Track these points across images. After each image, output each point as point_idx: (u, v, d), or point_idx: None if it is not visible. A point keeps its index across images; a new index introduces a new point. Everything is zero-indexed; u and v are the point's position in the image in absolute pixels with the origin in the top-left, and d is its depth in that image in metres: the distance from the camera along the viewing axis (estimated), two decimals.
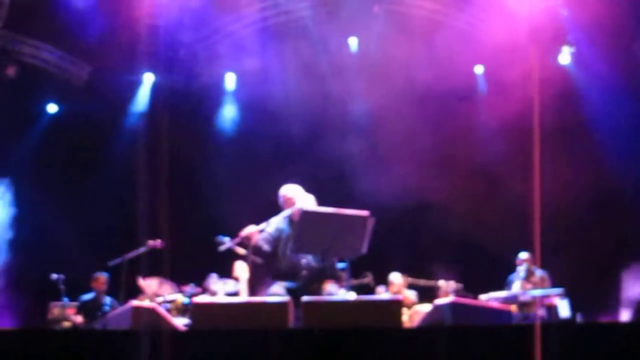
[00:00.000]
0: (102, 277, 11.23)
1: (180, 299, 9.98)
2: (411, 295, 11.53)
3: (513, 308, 9.60)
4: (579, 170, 12.77)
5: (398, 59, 12.76)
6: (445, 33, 13.08)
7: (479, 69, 14.00)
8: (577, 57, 13.15)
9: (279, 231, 8.24)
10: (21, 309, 11.66)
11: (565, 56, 13.21)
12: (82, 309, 10.92)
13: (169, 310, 9.46)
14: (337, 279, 8.14)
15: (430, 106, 13.27)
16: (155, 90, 14.00)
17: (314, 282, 7.88)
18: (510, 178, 11.78)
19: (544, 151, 7.29)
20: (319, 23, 13.48)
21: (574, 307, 10.22)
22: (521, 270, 10.90)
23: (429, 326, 7.00)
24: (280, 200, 8.39)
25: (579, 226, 12.44)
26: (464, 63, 13.59)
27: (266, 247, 8.15)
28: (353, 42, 13.95)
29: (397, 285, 11.67)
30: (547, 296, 10.19)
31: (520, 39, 12.23)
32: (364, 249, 7.42)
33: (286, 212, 8.21)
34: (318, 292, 7.72)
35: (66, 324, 10.57)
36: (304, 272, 7.95)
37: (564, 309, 10.05)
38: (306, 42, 13.37)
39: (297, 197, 8.26)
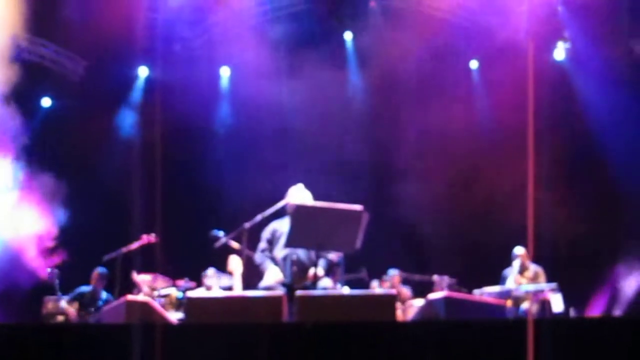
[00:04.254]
0: (100, 272, 11.18)
1: (175, 293, 9.98)
2: (406, 290, 11.54)
3: (509, 303, 9.64)
4: (575, 165, 12.80)
5: (393, 54, 12.75)
6: (441, 28, 13.08)
7: (473, 64, 13.96)
8: (572, 53, 13.12)
9: (271, 236, 8.19)
10: (15, 304, 11.62)
11: (560, 52, 13.18)
12: (78, 300, 10.89)
13: (163, 305, 9.47)
14: (331, 274, 8.14)
15: (425, 101, 13.29)
16: (150, 84, 13.97)
17: (304, 278, 7.84)
18: (507, 174, 11.77)
19: (539, 147, 7.29)
20: (316, 18, 13.50)
21: (567, 302, 10.25)
22: (515, 265, 10.90)
23: (422, 321, 7.01)
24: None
25: (574, 221, 12.41)
26: (459, 58, 13.61)
27: (266, 262, 8.10)
28: (349, 37, 13.95)
29: (392, 280, 11.69)
30: (540, 291, 10.21)
31: (517, 34, 12.25)
32: (358, 244, 7.40)
33: (276, 207, 8.17)
34: (309, 287, 7.69)
35: (60, 319, 10.54)
36: (294, 268, 7.92)
37: (557, 304, 10.07)
38: (302, 36, 13.36)
39: (293, 195, 8.22)
